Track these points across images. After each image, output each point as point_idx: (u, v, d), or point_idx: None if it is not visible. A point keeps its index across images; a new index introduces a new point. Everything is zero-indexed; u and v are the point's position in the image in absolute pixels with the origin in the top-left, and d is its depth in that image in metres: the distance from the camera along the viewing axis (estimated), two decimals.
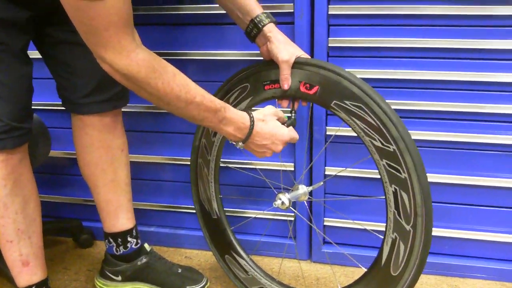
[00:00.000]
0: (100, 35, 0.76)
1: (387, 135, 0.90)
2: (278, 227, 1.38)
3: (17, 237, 1.05)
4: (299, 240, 1.36)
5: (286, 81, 0.99)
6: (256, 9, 1.00)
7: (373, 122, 0.91)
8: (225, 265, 1.23)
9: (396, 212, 0.92)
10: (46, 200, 1.52)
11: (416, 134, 1.17)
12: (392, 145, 0.90)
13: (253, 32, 1.00)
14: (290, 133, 0.98)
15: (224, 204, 1.22)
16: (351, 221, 1.29)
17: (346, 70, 0.95)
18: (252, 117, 0.92)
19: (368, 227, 1.26)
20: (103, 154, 1.15)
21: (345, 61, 1.17)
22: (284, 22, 1.17)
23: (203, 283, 1.24)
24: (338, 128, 1.20)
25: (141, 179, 1.44)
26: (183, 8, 1.24)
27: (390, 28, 1.14)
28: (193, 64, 1.28)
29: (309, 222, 1.33)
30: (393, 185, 0.91)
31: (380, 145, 0.91)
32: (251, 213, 1.38)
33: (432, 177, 1.15)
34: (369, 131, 0.92)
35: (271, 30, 0.99)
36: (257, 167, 1.30)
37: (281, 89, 1.00)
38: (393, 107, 0.92)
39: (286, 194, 1.06)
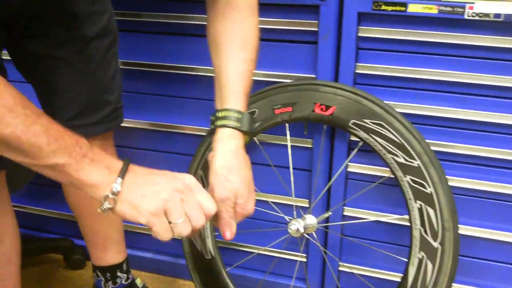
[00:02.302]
0: None
1: (411, 150, 1.01)
2: (285, 266, 1.39)
3: None
4: (311, 283, 1.37)
5: (228, 227, 0.79)
6: (225, 99, 0.84)
7: (395, 138, 1.03)
8: None
9: (422, 229, 1.01)
10: (36, 213, 1.58)
11: (452, 180, 1.15)
12: (416, 160, 1.01)
13: (210, 127, 0.86)
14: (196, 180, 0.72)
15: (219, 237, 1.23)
16: (370, 269, 1.30)
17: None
18: (127, 158, 0.72)
19: (387, 277, 1.28)
20: None
21: (374, 90, 1.16)
22: (306, 41, 1.18)
23: None
24: (360, 165, 1.22)
25: None
26: (193, 17, 1.23)
27: (430, 58, 1.12)
28: (201, 81, 1.30)
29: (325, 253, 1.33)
30: (418, 201, 1.01)
31: (403, 161, 1.02)
32: (253, 248, 1.40)
33: (463, 229, 1.15)
34: (391, 148, 1.03)
35: (219, 139, 0.82)
36: (261, 198, 1.34)
37: (291, 113, 1.09)
38: None
39: (299, 220, 1.13)
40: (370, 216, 1.24)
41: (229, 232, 0.78)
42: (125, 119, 1.15)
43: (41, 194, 1.57)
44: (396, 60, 1.13)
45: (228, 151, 0.81)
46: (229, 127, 0.81)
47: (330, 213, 1.22)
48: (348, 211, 1.27)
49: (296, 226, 1.13)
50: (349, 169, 1.21)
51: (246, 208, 0.80)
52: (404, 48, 1.12)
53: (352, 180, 1.24)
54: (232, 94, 0.84)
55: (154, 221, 0.69)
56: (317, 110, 1.08)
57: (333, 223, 1.26)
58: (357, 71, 1.16)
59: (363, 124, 1.05)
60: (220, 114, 0.82)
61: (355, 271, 1.31)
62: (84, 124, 1.03)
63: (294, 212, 1.26)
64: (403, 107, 1.14)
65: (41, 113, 0.64)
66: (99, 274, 1.22)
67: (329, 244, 1.31)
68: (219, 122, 0.82)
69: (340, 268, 1.34)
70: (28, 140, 0.62)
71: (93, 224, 1.18)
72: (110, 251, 1.20)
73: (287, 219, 1.17)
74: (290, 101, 1.11)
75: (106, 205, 0.68)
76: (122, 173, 0.68)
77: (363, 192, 1.20)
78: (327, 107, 1.07)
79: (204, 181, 1.22)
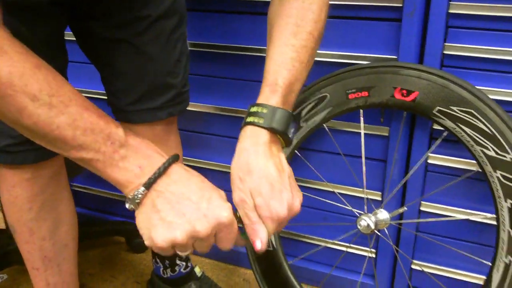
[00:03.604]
0: None
1: (504, 143, 0.91)
2: (353, 261, 1.34)
3: (43, 265, 1.03)
4: (380, 281, 1.31)
5: (255, 235, 0.68)
6: (260, 93, 0.76)
7: (486, 129, 0.93)
8: None
9: (511, 231, 0.92)
10: (100, 195, 1.61)
11: None
12: (509, 154, 0.91)
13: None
14: (234, 217, 0.65)
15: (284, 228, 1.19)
16: (445, 268, 1.22)
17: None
18: (174, 155, 0.66)
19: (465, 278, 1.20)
20: None
21: (464, 74, 1.06)
22: (388, 18, 1.09)
23: None
24: (442, 157, 1.13)
25: None
26: None
27: None
28: (249, 61, 1.25)
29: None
30: (508, 200, 0.91)
31: (494, 154, 0.92)
32: (319, 241, 1.35)
33: None
34: (481, 140, 0.93)
35: (240, 138, 0.74)
36: (328, 189, 1.28)
37: (367, 98, 1.01)
38: None
39: (370, 215, 1.05)
40: (451, 213, 1.14)
41: (258, 241, 0.66)
42: (190, 103, 1.11)
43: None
44: (491, 40, 1.02)
45: (244, 149, 0.72)
46: (251, 124, 0.73)
47: (405, 208, 1.14)
48: (426, 207, 1.18)
49: (366, 222, 1.06)
50: (429, 161, 1.12)
51: (272, 209, 0.67)
52: (501, 26, 1.00)
53: (432, 173, 1.14)
54: (268, 87, 0.75)
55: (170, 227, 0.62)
56: (397, 96, 0.99)
57: (408, 221, 1.17)
58: (445, 52, 1.05)
59: (450, 112, 0.95)
60: (251, 109, 0.75)
61: (428, 270, 1.22)
62: (146, 108, 1.00)
63: (365, 206, 1.19)
64: (497, 93, 1.03)
65: (72, 100, 0.60)
66: (158, 261, 1.21)
67: (402, 241, 1.23)
68: (246, 119, 0.74)
69: (413, 266, 1.26)
70: (52, 132, 0.59)
71: None
72: None
73: (357, 214, 1.10)
74: (366, 85, 1.02)
75: (128, 205, 0.64)
76: (150, 181, 0.62)
77: (445, 187, 1.11)
78: (409, 92, 0.98)
79: None
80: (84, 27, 0.94)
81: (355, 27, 1.11)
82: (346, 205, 1.21)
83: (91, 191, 1.60)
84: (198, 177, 0.66)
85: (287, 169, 0.73)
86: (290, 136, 0.73)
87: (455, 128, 0.95)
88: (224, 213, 0.63)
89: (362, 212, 1.11)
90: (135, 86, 0.98)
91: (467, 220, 1.14)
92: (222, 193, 0.67)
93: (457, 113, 0.95)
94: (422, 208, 1.18)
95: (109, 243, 1.58)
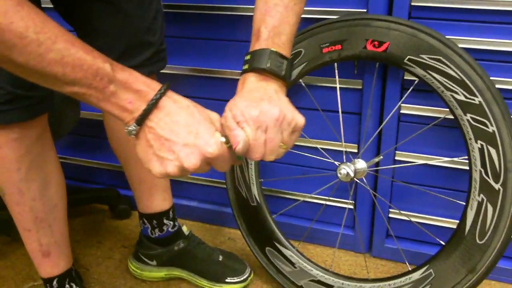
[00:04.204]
0: None
1: (472, 86, 0.96)
2: (333, 214, 1.39)
3: (35, 226, 1.05)
4: (360, 230, 1.37)
5: (234, 139, 0.69)
6: (256, 42, 0.76)
7: (454, 74, 0.98)
8: (265, 259, 1.25)
9: (483, 170, 0.97)
10: (82, 164, 1.62)
11: None
12: (477, 97, 0.95)
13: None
14: (222, 146, 0.68)
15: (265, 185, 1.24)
16: (423, 215, 1.28)
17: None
18: (165, 86, 0.68)
19: (441, 224, 1.26)
20: None
21: (431, 25, 1.08)
22: None
23: (246, 275, 1.26)
24: (414, 106, 1.17)
25: None
26: None
27: None
28: (243, 22, 1.26)
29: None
30: (479, 141, 0.97)
31: (463, 98, 0.97)
32: (299, 196, 1.39)
33: None
34: (450, 85, 0.98)
35: (243, 81, 0.76)
36: (307, 144, 1.32)
37: (341, 51, 1.04)
38: None
39: (349, 164, 1.10)
40: (423, 160, 1.20)
41: (238, 143, 0.67)
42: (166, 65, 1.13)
43: (86, 145, 1.60)
44: None
45: (235, 95, 0.75)
46: (242, 73, 0.75)
47: (381, 157, 1.19)
48: (400, 156, 1.23)
49: (346, 170, 1.11)
50: (402, 111, 1.17)
51: (246, 113, 0.69)
52: None
53: (405, 123, 1.19)
54: (253, 36, 0.76)
55: (163, 160, 0.67)
56: (369, 47, 1.03)
57: (384, 167, 1.22)
58: (412, 3, 1.09)
59: (420, 60, 0.99)
60: (248, 57, 0.75)
61: (406, 218, 1.28)
62: (126, 66, 1.01)
63: (344, 158, 1.24)
64: (464, 41, 1.07)
65: (58, 36, 0.60)
66: (146, 221, 1.24)
67: (380, 189, 1.29)
68: (246, 66, 0.75)
69: (391, 215, 1.31)
70: (43, 69, 0.60)
71: (139, 171, 1.18)
72: (157, 199, 1.22)
73: (337, 164, 1.15)
74: (339, 38, 1.06)
75: (131, 128, 0.67)
76: (141, 117, 0.65)
77: (417, 134, 1.16)
78: (380, 43, 1.02)
79: None
80: None
81: None
82: (327, 158, 1.25)
83: (70, 160, 1.61)
84: (187, 110, 0.68)
85: (282, 98, 0.73)
86: (278, 71, 0.74)
87: (425, 76, 0.99)
88: (209, 148, 0.65)
89: (342, 162, 1.15)
90: (113, 44, 0.99)
91: (441, 167, 1.20)
92: (214, 117, 0.70)
93: (427, 60, 0.98)
94: (397, 158, 1.23)
95: (92, 211, 1.60)
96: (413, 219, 1.28)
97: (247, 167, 1.22)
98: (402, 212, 1.28)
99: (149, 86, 0.66)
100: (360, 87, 1.19)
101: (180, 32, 1.32)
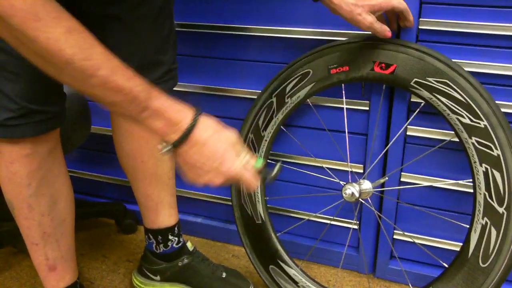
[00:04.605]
0: None
1: (477, 110, 0.97)
2: (338, 234, 1.39)
3: (42, 241, 1.06)
4: (364, 251, 1.37)
5: (380, 29, 0.98)
6: None
7: (460, 98, 0.99)
8: (268, 277, 1.25)
9: (487, 194, 0.98)
10: (89, 178, 1.63)
11: None
12: (483, 121, 0.97)
13: None
14: (245, 171, 0.80)
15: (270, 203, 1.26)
16: (427, 237, 1.28)
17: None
18: (198, 113, 0.78)
19: (446, 246, 1.26)
20: (143, 145, 1.15)
21: (439, 48, 1.10)
22: None
23: None
24: (420, 128, 1.18)
25: None
26: None
27: (502, 11, 1.04)
28: (253, 42, 1.29)
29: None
30: (483, 165, 0.98)
31: (469, 122, 0.98)
32: (305, 215, 1.40)
33: None
34: (456, 108, 0.99)
35: None
36: (313, 163, 1.34)
37: (348, 72, 1.07)
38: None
39: (354, 184, 1.11)
40: (429, 181, 1.20)
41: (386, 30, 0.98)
42: (177, 83, 1.15)
43: (94, 159, 1.62)
44: (463, 15, 1.07)
45: None
46: None
47: (386, 178, 1.20)
48: (406, 177, 1.24)
49: (351, 190, 1.11)
50: (408, 133, 1.18)
51: None
52: (472, 1, 1.06)
53: (411, 145, 1.20)
54: None
55: (199, 176, 0.80)
56: (377, 69, 1.05)
57: (390, 188, 1.23)
58: (420, 27, 1.11)
59: (426, 83, 1.01)
60: None
61: (410, 240, 1.28)
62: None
63: (349, 178, 1.25)
64: (470, 65, 1.09)
65: (103, 63, 0.68)
66: (151, 237, 1.25)
67: (384, 210, 1.29)
68: None
69: (396, 236, 1.31)
70: (86, 90, 0.69)
71: (146, 187, 1.20)
72: (162, 215, 1.23)
73: (342, 184, 1.16)
74: (347, 60, 1.08)
75: (168, 149, 0.77)
76: (185, 134, 0.75)
77: (422, 156, 1.17)
78: (387, 66, 1.04)
79: (255, 145, 1.22)
80: (71, 2, 0.94)
81: None
82: (332, 177, 1.26)
83: (78, 174, 1.63)
84: (213, 142, 0.77)
85: None
86: None
87: (431, 98, 1.01)
88: (232, 173, 0.79)
89: (347, 182, 1.15)
90: (125, 63, 1.00)
91: (446, 189, 1.20)
92: (236, 139, 0.81)
93: (433, 84, 1.00)
94: (402, 179, 1.24)
95: (98, 225, 1.61)
96: (417, 241, 1.28)
97: None
98: (406, 233, 1.28)
99: (181, 114, 0.75)
100: (367, 108, 1.21)
101: (191, 51, 1.35)
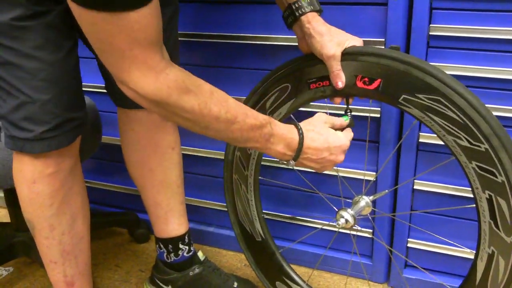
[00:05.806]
0: (122, 55, 0.70)
1: (476, 132, 0.83)
2: (349, 242, 1.35)
3: (61, 258, 1.06)
4: (376, 260, 1.32)
5: (339, 78, 0.94)
6: None
7: (456, 117, 0.85)
8: None
9: (492, 222, 0.86)
10: (101, 188, 1.64)
11: None
12: (483, 144, 0.83)
13: (289, 19, 0.96)
14: (348, 137, 0.94)
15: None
16: (441, 245, 1.23)
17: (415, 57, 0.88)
18: (300, 129, 0.89)
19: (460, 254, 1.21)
20: (151, 153, 1.15)
21: (449, 54, 1.08)
22: (375, 3, 1.10)
23: None
24: (432, 135, 1.10)
25: (202, 174, 1.47)
26: None
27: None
28: (237, 49, 1.27)
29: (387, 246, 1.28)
30: (486, 191, 0.85)
31: (467, 144, 0.85)
32: (316, 224, 1.36)
33: None
34: (452, 129, 0.86)
35: (310, 21, 0.93)
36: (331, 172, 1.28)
37: (330, 86, 0.96)
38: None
39: (348, 209, 1.02)
40: (443, 189, 1.16)
41: (340, 81, 0.92)
42: None
43: (106, 169, 1.61)
44: (475, 20, 1.03)
45: (326, 24, 0.93)
46: (319, 11, 0.94)
47: (386, 191, 1.13)
48: (419, 185, 1.19)
49: (345, 217, 1.02)
50: (420, 140, 1.13)
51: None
52: (483, 6, 1.02)
53: (424, 152, 1.15)
54: None
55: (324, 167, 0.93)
56: (359, 84, 0.91)
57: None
58: (431, 33, 1.07)
59: (416, 100, 0.86)
60: (304, 3, 0.92)
61: (425, 248, 1.24)
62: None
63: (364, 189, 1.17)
64: (482, 71, 1.05)
65: (237, 111, 0.81)
66: (162, 246, 1.23)
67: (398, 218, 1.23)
68: (308, 8, 0.92)
69: (409, 245, 1.25)
70: (228, 137, 0.83)
71: (155, 196, 1.19)
72: (172, 223, 1.21)
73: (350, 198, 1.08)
74: (326, 73, 0.94)
75: (291, 163, 0.90)
76: (299, 148, 0.88)
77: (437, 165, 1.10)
78: (371, 80, 0.90)
79: (243, 163, 1.14)
80: None
81: (344, 12, 1.12)
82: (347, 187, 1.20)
83: (90, 183, 1.62)
84: (318, 142, 0.89)
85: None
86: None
87: (423, 117, 0.87)
88: (344, 148, 0.92)
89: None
90: None
91: (461, 196, 1.14)
92: (325, 120, 0.93)
93: (424, 101, 0.86)
94: (415, 187, 1.18)
95: (111, 234, 1.62)
96: (431, 249, 1.21)
97: (248, 203, 1.17)
98: (421, 241, 1.21)
99: (292, 133, 0.88)
100: (378, 115, 1.14)
101: (193, 59, 1.32)
